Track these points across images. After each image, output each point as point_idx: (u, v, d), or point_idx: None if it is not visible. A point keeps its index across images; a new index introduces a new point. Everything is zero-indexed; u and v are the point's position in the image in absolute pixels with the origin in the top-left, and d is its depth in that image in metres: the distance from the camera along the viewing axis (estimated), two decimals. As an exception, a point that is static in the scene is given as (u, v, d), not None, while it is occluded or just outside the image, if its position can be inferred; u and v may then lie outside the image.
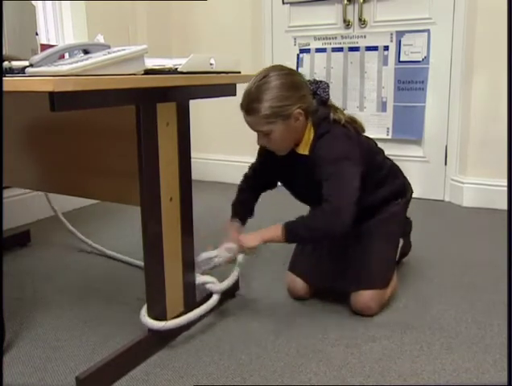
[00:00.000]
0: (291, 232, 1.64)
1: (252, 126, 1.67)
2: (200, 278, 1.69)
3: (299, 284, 1.89)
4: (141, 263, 2.02)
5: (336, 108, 1.76)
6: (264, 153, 1.87)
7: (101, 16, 3.17)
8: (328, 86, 1.77)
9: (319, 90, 1.74)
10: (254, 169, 2.00)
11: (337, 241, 1.81)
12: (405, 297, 1.88)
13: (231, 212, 1.95)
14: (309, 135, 1.71)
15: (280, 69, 1.67)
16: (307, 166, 1.69)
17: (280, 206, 2.28)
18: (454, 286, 1.98)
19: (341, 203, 1.59)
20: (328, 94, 1.76)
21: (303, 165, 1.72)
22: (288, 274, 1.93)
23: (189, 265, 1.64)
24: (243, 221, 1.93)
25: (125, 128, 1.45)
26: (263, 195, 2.04)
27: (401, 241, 2.05)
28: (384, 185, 1.87)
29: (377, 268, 1.80)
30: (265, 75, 1.62)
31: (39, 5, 3.00)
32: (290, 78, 1.65)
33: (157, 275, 1.52)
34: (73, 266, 2.24)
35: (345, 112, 1.80)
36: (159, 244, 1.51)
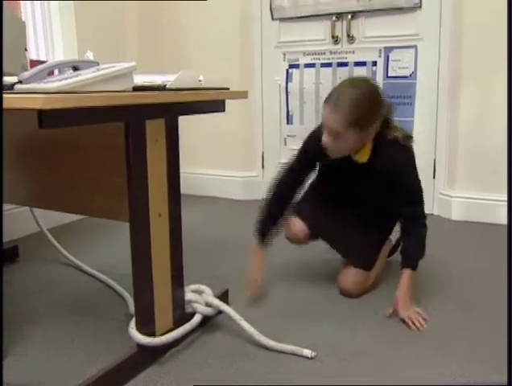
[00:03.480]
0: (416, 263, 1.86)
1: (328, 122, 1.74)
2: (188, 295, 1.69)
3: (300, 225, 2.06)
4: (119, 288, 2.05)
5: (396, 128, 1.89)
6: (307, 158, 2.00)
7: (90, 32, 3.18)
8: (392, 108, 1.89)
9: (386, 108, 1.84)
10: (292, 170, 2.05)
11: (342, 207, 2.04)
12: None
13: (257, 234, 2.01)
14: (368, 147, 1.85)
15: (373, 82, 1.82)
16: (365, 173, 1.89)
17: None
18: (443, 297, 1.99)
19: (424, 216, 1.90)
20: (392, 115, 1.89)
21: (361, 171, 1.89)
22: (291, 218, 2.08)
23: (178, 281, 1.64)
24: (269, 244, 2.03)
25: (114, 143, 1.45)
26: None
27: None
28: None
29: (365, 250, 2.04)
30: (363, 81, 1.81)
31: (29, 21, 3.01)
32: (380, 95, 1.78)
33: (146, 291, 1.52)
34: (61, 282, 2.23)
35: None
36: (148, 260, 1.50)
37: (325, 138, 1.78)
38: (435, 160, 3.24)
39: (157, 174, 1.48)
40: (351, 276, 2.01)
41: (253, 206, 3.55)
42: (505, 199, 2.97)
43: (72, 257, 2.37)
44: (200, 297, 1.71)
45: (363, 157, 1.88)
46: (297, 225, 2.08)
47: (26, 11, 3.00)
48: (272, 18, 3.49)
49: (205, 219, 3.25)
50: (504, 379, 1.38)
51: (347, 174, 1.96)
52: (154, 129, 1.45)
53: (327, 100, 1.75)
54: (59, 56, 3.13)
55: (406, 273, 1.84)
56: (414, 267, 1.85)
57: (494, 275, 2.23)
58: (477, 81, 2.99)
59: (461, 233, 2.90)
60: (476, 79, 2.99)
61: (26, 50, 1.93)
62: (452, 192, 3.16)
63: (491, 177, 3.03)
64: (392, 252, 2.29)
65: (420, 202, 1.90)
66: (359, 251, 2.05)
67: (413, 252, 1.87)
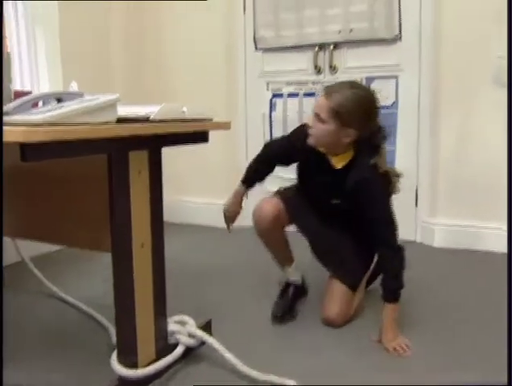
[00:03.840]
0: (396, 296, 1.86)
1: (317, 107, 1.86)
2: (171, 326, 1.68)
3: (276, 201, 2.06)
4: (102, 318, 2.03)
5: (381, 156, 1.94)
6: (290, 144, 2.10)
7: (76, 62, 3.20)
8: (386, 137, 1.97)
9: (379, 135, 1.94)
10: (273, 149, 2.23)
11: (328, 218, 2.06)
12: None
13: (243, 176, 2.22)
14: (347, 155, 1.92)
15: (373, 93, 1.91)
16: (333, 174, 1.94)
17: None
18: (426, 325, 1.99)
19: (398, 247, 1.89)
20: (383, 143, 1.96)
21: (329, 171, 1.95)
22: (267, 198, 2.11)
23: (161, 312, 1.63)
24: (251, 186, 2.21)
25: (97, 174, 1.46)
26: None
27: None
28: None
29: (354, 267, 2.03)
30: (364, 88, 1.98)
31: (14, 51, 3.02)
32: (372, 106, 1.87)
33: (128, 322, 1.51)
34: (42, 313, 2.20)
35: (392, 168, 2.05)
36: (131, 291, 1.50)
37: (310, 121, 1.89)
38: (417, 188, 3.28)
39: (140, 205, 1.48)
40: (334, 305, 2.00)
41: (237, 234, 3.56)
42: (488, 225, 3.02)
43: (54, 287, 2.35)
44: (183, 328, 1.70)
45: (339, 162, 1.94)
46: (273, 201, 2.07)
47: (12, 41, 3.02)
48: (256, 49, 3.55)
49: (189, 247, 3.24)
50: (504, 380, 1.39)
51: (321, 176, 2.00)
52: (138, 161, 1.46)
53: (326, 88, 1.89)
54: (44, 86, 3.14)
55: (388, 307, 1.86)
56: (395, 300, 1.87)
57: (478, 302, 2.25)
58: (457, 110, 3.06)
59: (444, 260, 2.92)
60: (456, 108, 3.06)
61: (10, 81, 1.93)
62: (434, 220, 3.19)
63: (473, 204, 3.07)
64: (369, 282, 2.27)
65: (392, 232, 1.89)
66: (348, 266, 2.05)
67: (391, 286, 1.88)
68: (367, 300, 2.16)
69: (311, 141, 1.92)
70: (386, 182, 1.94)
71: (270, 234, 2.10)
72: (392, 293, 1.87)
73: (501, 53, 2.85)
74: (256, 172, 2.23)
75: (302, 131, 1.97)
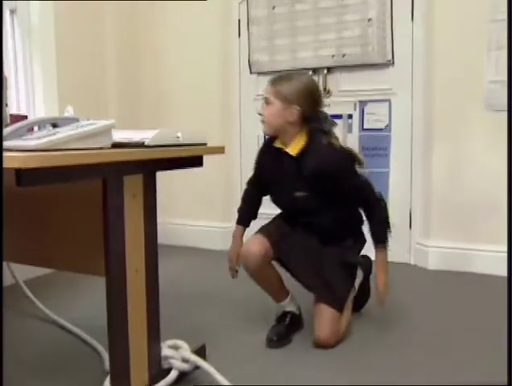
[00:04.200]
0: (386, 239, 2.08)
1: (265, 92, 2.04)
2: (164, 350, 1.67)
3: (261, 239, 2.08)
4: (95, 342, 2.01)
5: (333, 138, 2.07)
6: (258, 166, 2.25)
7: (71, 85, 3.23)
8: (334, 124, 2.13)
9: (327, 123, 2.08)
10: (252, 182, 2.34)
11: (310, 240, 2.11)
12: (367, 358, 1.89)
13: (237, 218, 2.31)
14: (300, 140, 2.03)
15: (314, 81, 2.19)
16: (294, 165, 2.03)
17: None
18: (418, 350, 1.99)
19: (376, 199, 2.09)
20: (331, 130, 2.09)
21: (290, 164, 2.04)
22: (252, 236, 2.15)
23: (154, 337, 1.63)
24: (247, 226, 2.30)
25: (91, 198, 1.46)
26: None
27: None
28: (355, 218, 2.18)
29: (338, 288, 2.07)
30: (307, 76, 2.22)
31: (11, 74, 3.05)
32: (313, 91, 2.05)
33: (121, 347, 1.50)
34: (36, 337, 2.19)
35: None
36: (124, 316, 1.49)
37: (262, 109, 2.05)
38: (410, 210, 3.29)
39: (134, 229, 1.49)
40: (325, 327, 2.01)
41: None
42: (481, 248, 3.03)
43: (47, 311, 2.33)
44: (177, 353, 1.69)
45: (294, 149, 2.04)
46: (258, 239, 2.09)
47: (9, 65, 3.05)
48: (250, 72, 3.59)
49: (184, 269, 3.24)
50: (504, 380, 1.38)
51: (283, 171, 2.08)
52: (132, 185, 1.47)
53: (271, 79, 2.06)
54: (39, 109, 3.16)
55: (380, 253, 2.09)
56: (384, 242, 2.08)
57: (471, 325, 2.25)
58: (450, 134, 3.09)
59: (438, 283, 2.92)
60: (448, 132, 3.09)
61: (6, 105, 1.95)
62: (428, 242, 3.20)
63: (466, 227, 3.08)
64: (361, 306, 2.37)
65: (367, 190, 2.07)
66: (333, 289, 2.06)
67: (381, 230, 2.08)
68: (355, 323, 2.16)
69: (264, 129, 2.08)
70: (346, 152, 2.07)
71: (261, 272, 2.12)
72: (383, 236, 2.08)
73: (493, 78, 2.90)
74: (246, 211, 2.32)
75: (261, 150, 2.23)
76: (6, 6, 3.03)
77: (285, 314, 2.19)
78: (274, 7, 3.46)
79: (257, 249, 2.07)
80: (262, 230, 2.15)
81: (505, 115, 2.85)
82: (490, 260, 2.98)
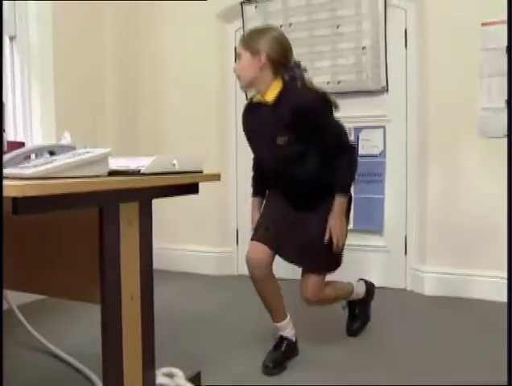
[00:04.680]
0: (348, 188, 2.11)
1: (237, 46, 2.15)
2: (159, 378, 1.66)
3: (260, 247, 2.12)
4: (88, 371, 2.00)
5: (310, 82, 2.13)
6: (245, 130, 2.26)
7: (69, 111, 3.25)
8: (304, 71, 2.14)
9: (297, 71, 2.11)
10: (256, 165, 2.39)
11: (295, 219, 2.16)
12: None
13: (252, 189, 2.37)
14: (276, 87, 2.08)
15: (282, 33, 2.16)
16: (272, 113, 2.07)
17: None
18: (415, 377, 1.98)
19: (345, 145, 2.12)
20: (303, 75, 2.12)
21: (268, 112, 2.09)
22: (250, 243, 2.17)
23: (149, 365, 1.62)
24: (263, 196, 2.33)
25: (86, 224, 1.47)
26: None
27: None
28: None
29: (320, 254, 2.12)
30: (274, 29, 2.19)
31: (9, 101, 3.07)
32: (284, 41, 2.11)
33: (116, 375, 1.49)
34: (29, 364, 2.17)
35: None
36: (119, 344, 1.49)
37: (236, 64, 2.14)
38: (406, 236, 3.30)
39: (130, 256, 1.49)
40: (306, 282, 2.13)
41: (227, 282, 3.55)
42: (477, 273, 3.03)
43: (40, 338, 2.31)
44: (172, 381, 1.68)
45: (270, 95, 2.08)
46: (261, 248, 2.13)
47: (7, 91, 3.07)
48: (246, 99, 3.61)
49: (179, 295, 3.22)
50: (504, 380, 1.37)
51: (262, 120, 2.13)
52: (128, 212, 1.48)
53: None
54: (37, 134, 3.18)
55: (338, 199, 2.08)
56: (344, 191, 2.10)
57: (468, 353, 2.24)
58: (444, 160, 3.12)
59: (434, 309, 2.91)
60: (442, 157, 3.12)
61: (4, 131, 1.97)
62: (424, 267, 3.20)
63: (461, 252, 3.09)
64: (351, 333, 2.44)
65: (339, 134, 2.12)
66: (314, 255, 2.13)
67: (342, 178, 2.10)
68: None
69: (240, 84, 2.16)
70: (320, 94, 2.08)
71: (265, 282, 2.14)
72: (345, 185, 2.11)
73: (485, 106, 2.94)
74: (258, 181, 2.37)
75: (242, 114, 2.27)
76: (6, 32, 3.06)
77: (281, 339, 2.18)
78: (270, 35, 3.51)
79: (261, 258, 2.12)
80: (261, 235, 2.17)
81: (498, 141, 2.89)
82: (487, 285, 2.98)
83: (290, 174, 2.15)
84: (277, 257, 2.17)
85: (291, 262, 2.20)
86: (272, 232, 2.15)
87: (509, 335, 1.53)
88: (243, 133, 2.28)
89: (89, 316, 2.66)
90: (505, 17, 2.82)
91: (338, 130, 2.12)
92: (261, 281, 2.13)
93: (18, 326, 2.36)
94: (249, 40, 2.09)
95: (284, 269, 2.35)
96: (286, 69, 2.10)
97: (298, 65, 2.14)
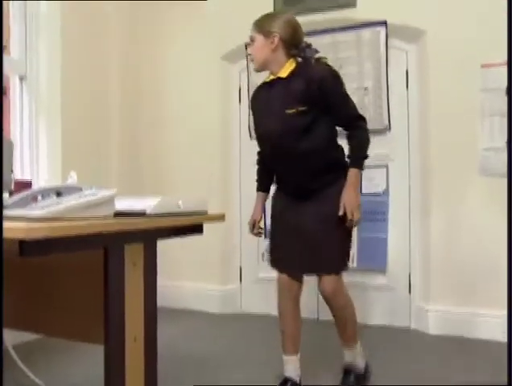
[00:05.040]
0: (361, 163, 2.12)
1: (251, 30, 2.18)
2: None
3: (288, 282, 2.21)
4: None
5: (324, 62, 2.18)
6: (253, 111, 2.35)
7: (75, 150, 3.30)
8: (315, 52, 2.19)
9: (309, 51, 2.17)
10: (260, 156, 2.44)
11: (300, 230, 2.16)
12: None
13: (257, 184, 2.42)
14: (290, 66, 2.13)
15: (294, 18, 2.20)
16: (285, 86, 2.11)
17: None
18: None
19: (358, 117, 2.15)
20: (313, 56, 2.18)
21: (281, 86, 2.13)
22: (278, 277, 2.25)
23: (152, 407, 1.60)
24: (267, 192, 2.41)
25: (90, 265, 1.48)
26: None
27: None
28: (338, 152, 2.22)
29: (332, 256, 2.14)
30: (287, 12, 2.29)
31: (16, 139, 3.12)
32: (295, 24, 2.16)
33: (118, 419, 1.48)
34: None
35: None
36: (122, 385, 1.48)
37: (248, 48, 2.24)
38: (409, 274, 3.29)
39: (134, 297, 1.49)
40: (323, 281, 2.15)
41: (230, 320, 3.53)
42: (481, 312, 3.01)
43: (38, 381, 2.27)
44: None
45: (285, 72, 2.13)
46: (286, 283, 2.22)
47: (15, 130, 3.13)
48: (250, 138, 3.67)
49: (182, 333, 3.20)
50: (504, 380, 1.35)
51: (273, 94, 2.16)
52: (133, 254, 1.49)
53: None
54: (43, 174, 3.21)
55: (352, 171, 2.10)
56: (358, 166, 2.12)
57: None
58: (446, 198, 3.13)
59: (438, 349, 2.88)
60: (445, 196, 3.13)
61: (12, 171, 2.00)
62: (428, 306, 3.18)
63: (465, 291, 3.07)
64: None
65: (354, 107, 2.15)
66: (326, 259, 2.14)
67: (358, 153, 2.12)
68: None
69: (254, 66, 2.20)
70: (334, 70, 2.14)
71: (291, 309, 2.23)
72: (359, 159, 2.12)
73: (487, 145, 2.97)
74: (262, 175, 2.42)
75: (252, 96, 2.35)
76: (16, 72, 3.13)
77: (286, 381, 2.17)
78: (273, 75, 3.58)
79: (293, 290, 2.22)
80: (277, 265, 2.26)
81: (499, 180, 2.91)
82: (492, 325, 2.96)
83: (294, 149, 2.11)
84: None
85: (307, 273, 2.24)
86: (290, 259, 2.19)
87: (509, 335, 1.52)
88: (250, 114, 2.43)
89: (91, 356, 2.65)
90: (503, 58, 2.89)
91: (352, 104, 2.16)
92: (287, 306, 2.22)
93: (14, 366, 2.33)
94: (262, 23, 2.15)
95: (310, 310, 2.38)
96: (298, 50, 2.16)
97: (309, 45, 2.19)
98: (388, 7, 3.23)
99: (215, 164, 3.75)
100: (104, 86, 3.68)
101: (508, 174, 2.19)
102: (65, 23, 3.29)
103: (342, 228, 2.13)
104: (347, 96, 2.14)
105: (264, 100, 2.22)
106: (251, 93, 3.55)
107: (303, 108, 2.06)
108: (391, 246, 3.30)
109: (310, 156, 2.11)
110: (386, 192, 3.32)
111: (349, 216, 2.06)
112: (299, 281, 2.23)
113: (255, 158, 3.69)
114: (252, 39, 2.17)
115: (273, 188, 2.38)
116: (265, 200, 2.40)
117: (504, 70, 2.88)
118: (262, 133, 2.25)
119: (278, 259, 2.26)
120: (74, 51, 3.36)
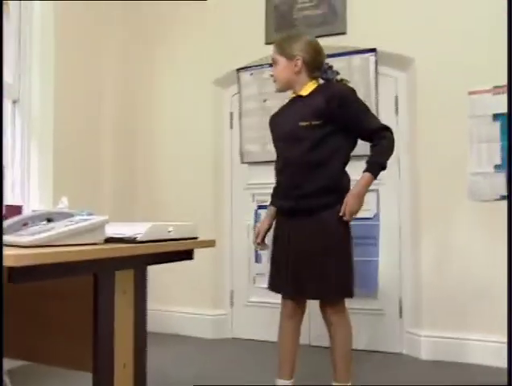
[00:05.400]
0: (377, 171, 2.14)
1: (272, 53, 2.25)
2: None
3: (290, 307, 2.23)
4: None
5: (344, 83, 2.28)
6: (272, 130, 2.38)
7: (67, 175, 3.30)
8: (336, 74, 2.28)
9: (330, 72, 2.26)
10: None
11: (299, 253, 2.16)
12: None
13: (271, 199, 2.41)
14: (312, 85, 2.22)
15: (315, 39, 2.28)
16: (304, 102, 2.18)
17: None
18: None
19: (382, 128, 2.17)
20: (334, 77, 2.27)
21: (300, 102, 2.20)
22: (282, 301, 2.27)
23: (140, 436, 1.59)
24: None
25: (80, 292, 1.48)
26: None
27: None
28: (344, 176, 2.24)
29: (335, 280, 2.13)
30: (308, 34, 2.30)
31: (8, 164, 3.12)
32: (317, 46, 2.24)
33: None
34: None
35: None
36: (110, 414, 1.47)
37: (272, 70, 2.26)
38: (400, 299, 3.30)
39: (124, 324, 1.49)
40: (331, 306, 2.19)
41: (221, 345, 3.51)
42: (473, 337, 3.01)
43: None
44: None
45: (306, 91, 2.21)
46: (289, 308, 2.24)
47: (7, 155, 3.13)
48: (241, 162, 3.69)
49: (172, 358, 3.17)
50: (504, 380, 1.35)
51: (291, 108, 2.25)
52: (123, 280, 1.49)
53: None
54: (34, 197, 3.21)
55: (365, 175, 2.13)
56: (372, 172, 2.12)
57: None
58: (437, 223, 3.15)
59: (431, 375, 2.87)
60: (435, 220, 3.15)
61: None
62: (420, 331, 3.17)
63: (458, 314, 3.07)
64: None
65: (373, 117, 2.21)
66: (330, 283, 2.13)
67: (375, 159, 2.14)
68: None
69: (276, 87, 2.28)
70: (349, 87, 2.23)
71: (291, 332, 2.26)
72: (375, 165, 2.13)
73: (475, 170, 3.01)
74: (275, 191, 2.39)
75: (271, 118, 2.37)
76: (9, 96, 3.15)
77: None
78: (265, 100, 3.62)
79: (297, 315, 2.25)
80: (277, 289, 2.26)
81: (488, 204, 2.96)
82: (484, 350, 2.95)
83: (301, 160, 2.14)
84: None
85: (308, 298, 2.27)
86: (290, 282, 2.18)
87: (509, 335, 1.52)
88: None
89: (81, 382, 2.62)
90: (490, 86, 2.96)
91: (374, 116, 2.23)
92: (288, 331, 2.25)
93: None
94: (285, 45, 2.21)
95: (303, 335, 2.37)
96: (319, 72, 2.25)
97: (330, 67, 2.27)
98: (378, 35, 3.29)
99: (207, 188, 3.76)
100: (96, 111, 3.70)
101: (507, 181, 2.22)
102: (59, 47, 3.31)
103: (346, 252, 2.18)
104: (368, 110, 2.20)
105: (282, 116, 2.31)
106: (243, 119, 3.65)
107: (316, 122, 2.11)
108: (382, 270, 3.29)
109: (316, 169, 2.13)
110: (376, 216, 3.33)
111: (347, 218, 2.12)
112: (303, 306, 2.26)
113: (246, 182, 3.76)
114: (275, 61, 2.24)
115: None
116: (274, 215, 2.38)
117: (490, 97, 2.94)
118: (275, 146, 2.34)
119: (279, 284, 2.24)
120: (67, 75, 3.38)
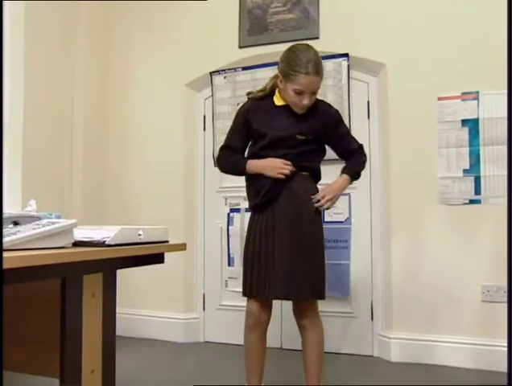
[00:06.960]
0: (356, 176, 2.35)
1: (313, 85, 2.16)
2: None
3: (257, 308, 2.20)
4: None
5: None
6: (246, 121, 2.32)
7: (36, 177, 3.25)
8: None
9: None
10: (229, 147, 2.37)
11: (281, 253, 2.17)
12: None
13: (239, 163, 2.32)
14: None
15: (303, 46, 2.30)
16: (300, 117, 2.23)
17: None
18: None
19: (361, 147, 2.38)
20: None
21: (293, 114, 2.24)
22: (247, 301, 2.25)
23: None
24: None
25: (47, 296, 1.45)
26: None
27: None
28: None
29: (311, 280, 2.17)
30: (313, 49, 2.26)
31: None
32: (297, 50, 2.26)
33: None
34: None
35: None
36: (78, 421, 1.44)
37: (307, 100, 2.16)
38: (372, 302, 3.32)
39: (92, 329, 1.47)
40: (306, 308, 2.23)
41: (193, 349, 3.49)
42: (442, 339, 3.05)
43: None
44: None
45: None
46: (254, 310, 2.21)
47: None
48: (215, 165, 3.68)
49: (143, 363, 3.14)
50: (504, 380, 1.36)
51: (287, 118, 2.25)
52: (92, 283, 1.47)
53: (308, 71, 2.12)
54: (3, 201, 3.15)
55: (344, 176, 2.30)
56: (351, 175, 2.31)
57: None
58: (406, 227, 3.19)
59: (400, 376, 2.90)
60: (405, 225, 3.19)
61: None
62: (390, 333, 3.21)
63: (426, 319, 3.12)
64: None
65: (353, 137, 2.40)
66: (306, 283, 2.16)
67: (353, 165, 2.34)
68: None
69: (304, 109, 2.21)
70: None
71: (258, 338, 2.24)
72: (353, 171, 2.32)
73: (444, 175, 3.06)
74: (236, 155, 2.36)
75: (246, 109, 2.34)
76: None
77: None
78: (238, 104, 3.62)
79: (262, 323, 2.23)
80: (256, 290, 2.21)
81: (456, 208, 3.01)
82: (453, 351, 3.00)
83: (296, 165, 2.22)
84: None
85: (281, 299, 2.29)
86: (262, 282, 2.18)
87: (509, 335, 1.54)
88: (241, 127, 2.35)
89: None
90: (458, 92, 3.01)
91: (354, 139, 2.39)
92: (254, 341, 2.23)
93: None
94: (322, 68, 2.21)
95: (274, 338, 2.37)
96: None
97: None
98: (350, 40, 3.33)
99: (179, 191, 3.74)
100: (66, 113, 3.66)
101: (508, 183, 2.26)
102: (28, 49, 3.27)
103: (322, 254, 2.23)
104: (349, 130, 2.47)
105: (273, 122, 2.27)
106: (216, 122, 3.64)
107: (311, 138, 2.22)
108: (353, 273, 3.32)
109: (307, 176, 2.26)
110: (348, 220, 3.36)
111: (321, 202, 2.20)
112: (269, 310, 2.24)
113: (219, 185, 3.75)
114: (315, 91, 2.20)
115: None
116: None
117: (459, 103, 3.00)
118: (263, 146, 2.28)
119: (252, 285, 2.22)
120: (37, 78, 3.34)
